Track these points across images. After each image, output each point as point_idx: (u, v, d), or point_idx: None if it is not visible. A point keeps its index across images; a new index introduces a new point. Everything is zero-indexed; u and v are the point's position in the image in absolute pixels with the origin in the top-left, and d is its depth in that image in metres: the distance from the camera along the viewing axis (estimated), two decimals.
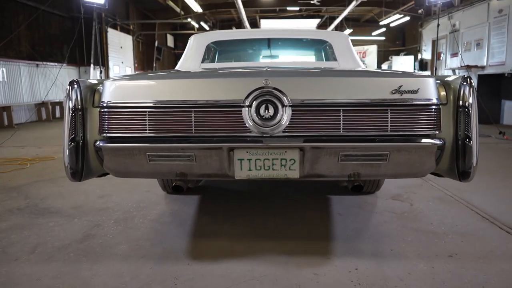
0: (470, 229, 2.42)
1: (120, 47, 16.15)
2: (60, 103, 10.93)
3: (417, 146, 1.81)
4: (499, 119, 8.46)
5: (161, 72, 2.63)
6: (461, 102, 1.84)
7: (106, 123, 1.88)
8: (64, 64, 11.69)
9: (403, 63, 23.42)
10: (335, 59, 3.22)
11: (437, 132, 1.84)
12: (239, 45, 3.92)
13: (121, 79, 1.93)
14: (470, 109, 1.82)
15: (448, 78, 1.95)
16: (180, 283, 1.81)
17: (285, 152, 1.83)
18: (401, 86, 1.80)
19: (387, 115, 1.81)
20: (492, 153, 4.97)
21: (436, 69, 9.98)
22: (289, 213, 2.73)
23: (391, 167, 1.86)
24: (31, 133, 7.44)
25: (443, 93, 1.90)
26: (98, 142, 1.88)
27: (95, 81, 2.02)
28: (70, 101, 1.87)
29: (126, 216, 2.68)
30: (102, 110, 1.88)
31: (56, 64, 11.29)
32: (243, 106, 1.78)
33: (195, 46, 3.36)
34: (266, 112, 1.78)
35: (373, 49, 23.44)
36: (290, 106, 1.78)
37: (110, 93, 1.88)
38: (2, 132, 7.77)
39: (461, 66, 9.52)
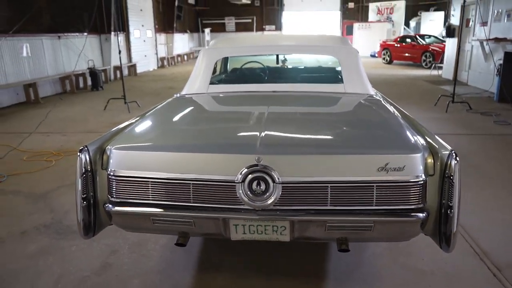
0: (457, 268, 2.56)
1: (140, 10, 16.02)
2: (83, 74, 11.16)
3: (400, 220, 1.93)
4: None
5: (166, 114, 2.75)
6: (447, 174, 1.92)
7: (113, 189, 2.06)
8: (85, 34, 11.82)
9: (434, 19, 22.39)
10: (341, 81, 3.25)
11: (421, 204, 1.94)
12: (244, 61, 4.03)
13: (125, 148, 2.08)
14: (454, 181, 1.89)
15: (437, 148, 2.01)
16: None
17: (276, 221, 1.98)
18: (387, 164, 1.89)
19: (373, 191, 1.91)
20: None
21: (460, 40, 9.52)
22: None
23: (376, 235, 2.00)
24: (57, 113, 7.74)
25: (431, 162, 1.97)
26: (106, 205, 2.08)
27: (102, 142, 2.17)
28: (81, 165, 2.05)
29: (140, 241, 2.93)
30: (109, 177, 2.06)
31: (77, 34, 11.42)
32: (237, 182, 1.92)
33: (204, 63, 3.43)
34: (258, 187, 1.91)
35: (401, 5, 22.41)
36: (280, 183, 1.90)
37: (116, 162, 2.05)
38: (30, 109, 8.13)
39: (488, 39, 9.12)
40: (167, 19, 19.55)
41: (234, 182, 1.92)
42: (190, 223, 2.03)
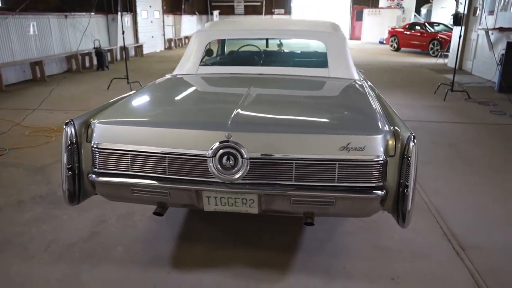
0: (424, 247, 2.69)
1: None
2: (89, 54, 11.31)
3: (359, 197, 2.06)
4: None
5: (154, 93, 2.89)
6: (405, 155, 2.04)
7: (96, 160, 2.22)
8: (92, 13, 11.91)
9: (445, 7, 22.05)
10: (326, 65, 3.34)
11: (381, 183, 2.07)
12: (239, 44, 4.13)
13: (108, 123, 2.23)
14: (411, 162, 2.02)
15: (399, 131, 2.13)
16: None
17: (245, 194, 2.13)
18: (349, 144, 2.02)
19: (335, 169, 2.04)
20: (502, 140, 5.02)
21: (467, 28, 9.47)
22: (270, 218, 3.07)
23: (339, 210, 2.14)
24: (62, 91, 7.93)
25: (392, 144, 2.09)
26: (90, 175, 2.24)
27: (88, 117, 2.32)
28: (66, 138, 2.21)
29: (128, 212, 3.10)
30: (93, 149, 2.22)
31: (84, 14, 11.53)
32: (208, 157, 2.06)
33: (196, 45, 3.56)
34: (228, 162, 2.05)
35: None
36: (248, 159, 2.04)
37: (98, 136, 2.20)
38: (35, 86, 8.33)
39: (493, 28, 9.05)
40: (175, 1, 19.53)
41: (205, 157, 2.06)
42: (166, 194, 2.19)
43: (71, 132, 2.22)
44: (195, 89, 3.17)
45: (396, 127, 2.18)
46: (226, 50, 4.80)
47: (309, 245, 2.71)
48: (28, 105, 6.63)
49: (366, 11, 22.39)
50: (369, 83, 3.44)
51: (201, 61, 3.58)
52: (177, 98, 2.84)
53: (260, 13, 25.49)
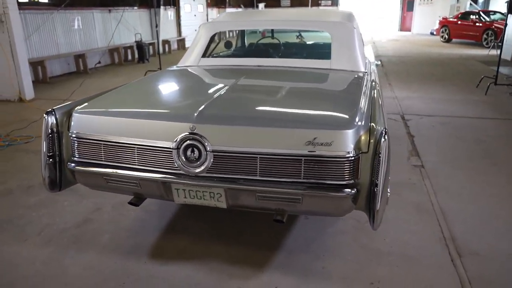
0: (417, 251, 2.51)
1: None
2: (131, 47, 11.71)
3: (327, 195, 1.95)
4: None
5: (136, 87, 2.89)
6: (377, 152, 1.90)
7: (74, 149, 2.27)
8: (135, 8, 12.31)
9: None
10: (328, 57, 3.21)
11: (352, 181, 1.94)
12: (243, 36, 4.07)
13: (85, 113, 2.27)
14: (381, 159, 1.88)
15: (374, 127, 1.99)
16: (128, 283, 2.26)
17: (212, 187, 2.08)
18: (315, 139, 1.91)
19: (301, 165, 1.95)
20: None
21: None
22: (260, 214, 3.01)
23: (307, 208, 2.04)
24: (97, 83, 8.27)
25: (365, 140, 1.95)
26: (69, 163, 2.30)
27: (69, 107, 2.38)
28: (46, 126, 2.28)
29: (124, 202, 3.16)
30: (71, 138, 2.27)
31: (127, 8, 11.93)
32: (173, 149, 2.04)
33: (199, 37, 3.56)
34: (192, 154, 2.02)
35: None
36: (211, 151, 2.00)
37: (76, 125, 2.25)
38: (77, 78, 8.75)
39: None
40: None
41: (171, 148, 2.04)
42: (137, 184, 2.20)
43: (52, 121, 2.29)
44: (182, 81, 3.16)
45: (373, 123, 2.04)
46: (246, 42, 4.75)
47: (293, 243, 2.62)
48: (64, 96, 6.98)
49: (417, 1, 21.35)
50: (374, 76, 3.24)
51: (208, 53, 3.57)
52: (159, 90, 2.84)
53: (306, 5, 25.09)
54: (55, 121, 2.29)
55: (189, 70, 3.31)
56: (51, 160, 2.32)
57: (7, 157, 4.20)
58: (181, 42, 15.14)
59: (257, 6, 24.12)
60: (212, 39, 3.63)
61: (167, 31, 14.23)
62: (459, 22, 15.81)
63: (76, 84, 8.12)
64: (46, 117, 2.29)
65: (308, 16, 3.76)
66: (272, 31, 4.60)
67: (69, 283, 2.27)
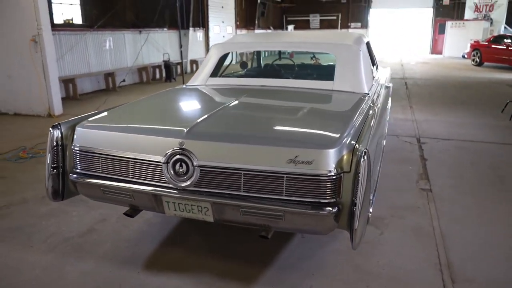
0: (411, 275, 2.48)
1: (221, 7, 16.76)
2: (159, 66, 12.13)
3: (308, 212, 1.98)
4: None
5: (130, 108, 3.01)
6: (357, 171, 1.93)
7: (75, 162, 2.42)
8: (165, 29, 12.80)
9: None
10: (332, 78, 3.26)
11: (333, 199, 1.97)
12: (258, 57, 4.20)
13: (85, 127, 2.42)
14: (360, 179, 1.90)
15: (357, 146, 2.01)
16: None
17: (200, 201, 2.16)
18: (297, 157, 1.96)
19: (283, 182, 2.00)
20: None
21: None
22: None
23: (290, 225, 2.07)
24: (121, 100, 8.56)
25: (348, 159, 1.98)
26: (70, 174, 2.44)
27: (74, 122, 2.53)
28: (51, 139, 2.43)
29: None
30: (73, 151, 2.42)
31: (157, 29, 12.42)
32: (163, 163, 2.14)
33: (209, 58, 3.71)
34: (180, 169, 2.11)
35: (503, 1, 20.30)
36: (198, 166, 2.08)
37: (78, 139, 2.40)
38: (105, 95, 9.13)
39: None
40: (249, 16, 20.17)
41: (161, 163, 2.14)
42: (130, 196, 2.30)
43: (57, 134, 2.45)
44: (183, 99, 3.29)
45: (358, 144, 2.06)
46: (262, 63, 4.89)
47: (286, 261, 2.64)
48: (90, 111, 7.29)
49: (449, 24, 21.05)
50: (378, 98, 3.26)
51: (220, 72, 3.70)
52: (159, 107, 2.98)
53: (336, 27, 25.26)
54: (60, 135, 2.45)
55: (195, 88, 3.45)
56: (55, 171, 2.46)
57: (29, 168, 4.43)
58: None
59: (287, 28, 24.50)
60: (222, 60, 3.76)
61: (195, 52, 14.66)
62: (491, 46, 15.47)
63: (101, 101, 8.48)
64: (52, 131, 2.45)
65: (317, 38, 3.84)
66: (280, 52, 4.71)
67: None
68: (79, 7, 9.56)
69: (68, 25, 9.18)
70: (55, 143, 2.45)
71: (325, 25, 25.63)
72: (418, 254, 2.71)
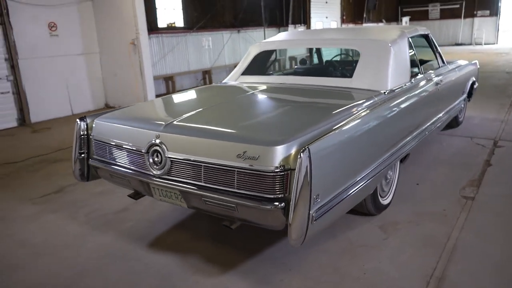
0: (392, 283, 2.35)
1: (326, 2, 16.62)
2: None
3: (255, 206, 2.07)
4: None
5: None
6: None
7: (94, 149, 2.86)
8: (263, 27, 13.25)
9: None
10: (351, 75, 3.19)
11: (281, 195, 2.03)
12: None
13: (100, 119, 2.84)
14: (296, 176, 1.93)
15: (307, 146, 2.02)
16: (118, 260, 2.71)
17: (174, 189, 2.40)
18: (245, 152, 2.06)
19: (234, 175, 2.12)
20: None
21: None
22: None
23: (243, 216, 2.19)
24: None
25: (295, 158, 2.01)
26: (90, 159, 2.90)
27: (98, 115, 2.98)
28: (78, 130, 2.91)
29: None
30: (92, 140, 2.86)
31: (256, 28, 12.94)
32: (144, 153, 2.43)
33: (245, 56, 3.91)
34: (156, 158, 2.38)
35: None
36: (168, 157, 2.31)
37: (95, 129, 2.84)
38: None
39: None
40: (357, 9, 19.56)
41: (143, 152, 2.44)
42: (128, 181, 2.65)
43: (83, 126, 2.92)
44: (200, 95, 3.54)
45: (312, 142, 2.06)
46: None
47: (272, 254, 2.71)
48: None
49: None
50: (399, 96, 3.06)
51: (254, 70, 3.88)
52: (173, 103, 3.29)
53: (459, 17, 22.90)
54: (84, 126, 2.91)
55: (219, 86, 3.69)
56: (81, 156, 2.94)
57: None
58: None
59: (401, 20, 23.07)
60: (259, 58, 3.91)
61: (296, 48, 14.85)
62: None
63: None
64: (78, 122, 2.93)
65: (349, 35, 3.73)
66: (311, 50, 4.63)
67: (80, 252, 2.85)
68: (181, 11, 10.49)
69: (170, 28, 10.18)
70: (81, 132, 2.92)
71: (447, 14, 23.39)
72: (413, 263, 2.53)
